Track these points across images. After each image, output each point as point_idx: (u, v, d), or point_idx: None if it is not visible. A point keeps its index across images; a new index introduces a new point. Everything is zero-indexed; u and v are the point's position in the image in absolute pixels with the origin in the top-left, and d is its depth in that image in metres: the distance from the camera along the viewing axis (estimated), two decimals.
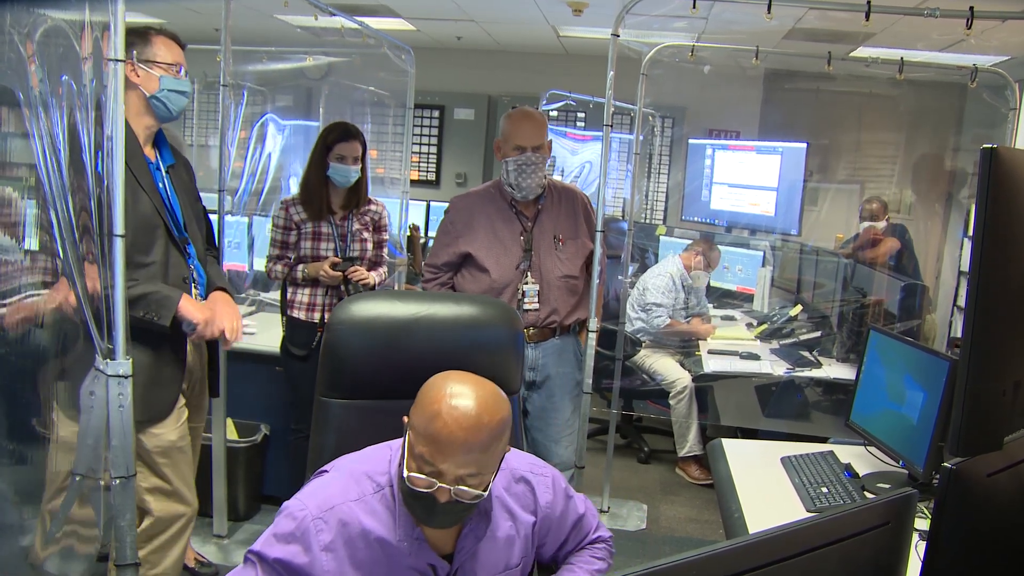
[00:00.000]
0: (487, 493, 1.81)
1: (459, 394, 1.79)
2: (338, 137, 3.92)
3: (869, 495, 2.78)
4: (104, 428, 2.41)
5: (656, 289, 5.68)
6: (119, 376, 2.39)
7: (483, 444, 1.77)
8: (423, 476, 1.76)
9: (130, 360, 2.41)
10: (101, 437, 2.42)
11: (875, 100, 7.27)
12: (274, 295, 5.08)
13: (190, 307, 2.82)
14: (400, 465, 1.83)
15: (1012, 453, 1.61)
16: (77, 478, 2.48)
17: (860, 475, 2.94)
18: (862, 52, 6.45)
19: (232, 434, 4.25)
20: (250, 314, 5.02)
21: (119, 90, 2.34)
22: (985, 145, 1.45)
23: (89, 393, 2.44)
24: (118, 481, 2.40)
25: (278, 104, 6.26)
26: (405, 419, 1.87)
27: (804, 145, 6.88)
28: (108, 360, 2.39)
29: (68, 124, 2.42)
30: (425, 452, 1.76)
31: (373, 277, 4.06)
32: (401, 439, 1.90)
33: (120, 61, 2.34)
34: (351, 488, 1.88)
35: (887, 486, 2.85)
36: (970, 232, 6.46)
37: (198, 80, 6.59)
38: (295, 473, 3.49)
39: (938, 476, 1.70)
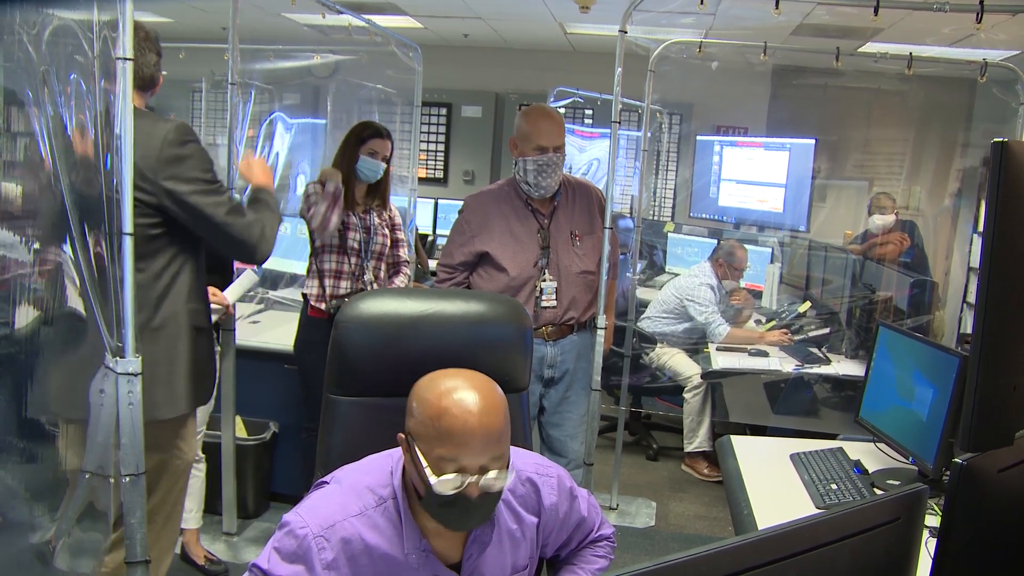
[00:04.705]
0: (512, 475, 1.82)
1: (457, 387, 1.76)
2: (373, 133, 4.04)
3: (879, 491, 2.72)
4: (113, 426, 2.40)
5: (706, 301, 5.60)
6: (128, 374, 2.39)
7: (499, 427, 1.75)
8: (451, 476, 1.71)
9: (139, 358, 2.41)
10: (111, 435, 2.42)
11: (884, 96, 7.20)
12: (283, 293, 5.09)
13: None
14: (418, 478, 1.78)
15: (1023, 448, 1.60)
16: (86, 475, 2.48)
17: (870, 472, 2.91)
18: (871, 48, 6.45)
19: (241, 432, 4.26)
20: (259, 312, 5.03)
21: (128, 89, 2.34)
22: (996, 139, 1.44)
23: (99, 391, 2.45)
24: (128, 479, 2.40)
25: (286, 102, 6.26)
26: (401, 436, 1.82)
27: (812, 141, 6.88)
28: (118, 358, 2.39)
29: (77, 123, 2.42)
30: (444, 452, 1.72)
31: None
32: (399, 450, 1.88)
33: (128, 60, 2.33)
34: (352, 503, 1.84)
35: (897, 482, 2.79)
36: (980, 228, 6.45)
37: (206, 78, 6.60)
38: (307, 471, 3.53)
39: (948, 472, 1.70)
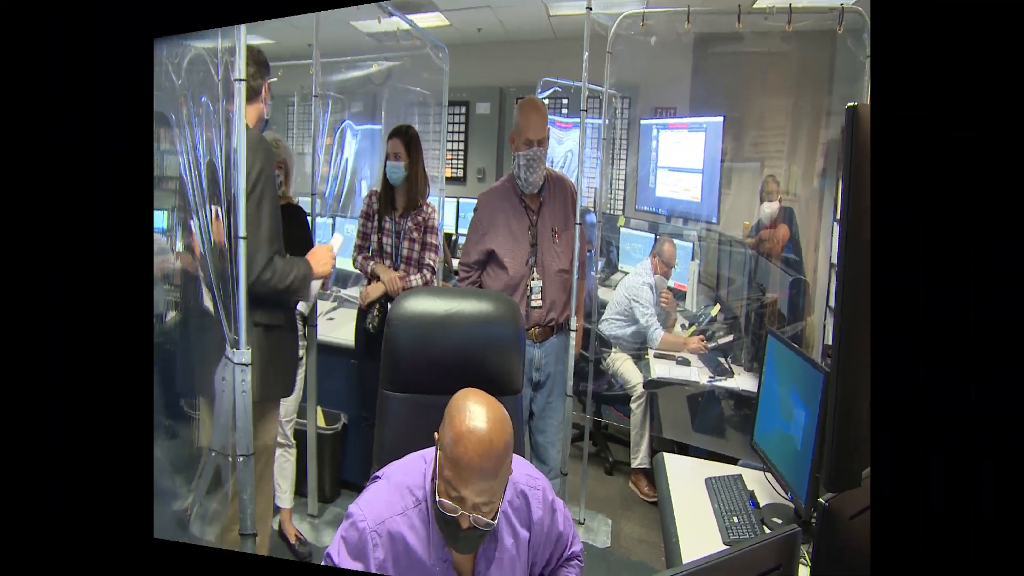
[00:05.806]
0: (496, 521, 1.62)
1: (476, 416, 1.56)
2: (389, 136, 3.58)
3: (768, 529, 2.23)
4: (232, 410, 2.32)
5: (647, 302, 4.35)
6: (242, 364, 2.28)
7: (495, 470, 1.55)
8: (449, 501, 1.56)
9: (250, 350, 2.29)
10: (230, 418, 2.35)
11: (774, 60, 4.77)
12: (352, 291, 4.66)
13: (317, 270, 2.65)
14: (433, 482, 1.63)
15: (867, 493, 1.35)
16: (212, 453, 2.46)
17: (761, 505, 2.34)
18: (762, 3, 4.44)
19: (321, 422, 3.89)
20: (332, 309, 4.55)
21: (242, 107, 2.27)
22: (850, 104, 1.09)
23: (221, 378, 2.41)
24: (241, 459, 2.33)
25: (353, 111, 5.82)
26: (436, 435, 1.65)
27: (720, 119, 5.03)
28: (234, 349, 2.28)
29: (206, 139, 2.39)
30: (450, 476, 1.55)
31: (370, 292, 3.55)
32: (433, 451, 1.72)
33: (242, 80, 2.26)
34: (397, 501, 1.68)
35: (779, 521, 2.27)
36: (839, 215, 4.05)
37: (296, 93, 6.19)
38: (367, 461, 3.11)
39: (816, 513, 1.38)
